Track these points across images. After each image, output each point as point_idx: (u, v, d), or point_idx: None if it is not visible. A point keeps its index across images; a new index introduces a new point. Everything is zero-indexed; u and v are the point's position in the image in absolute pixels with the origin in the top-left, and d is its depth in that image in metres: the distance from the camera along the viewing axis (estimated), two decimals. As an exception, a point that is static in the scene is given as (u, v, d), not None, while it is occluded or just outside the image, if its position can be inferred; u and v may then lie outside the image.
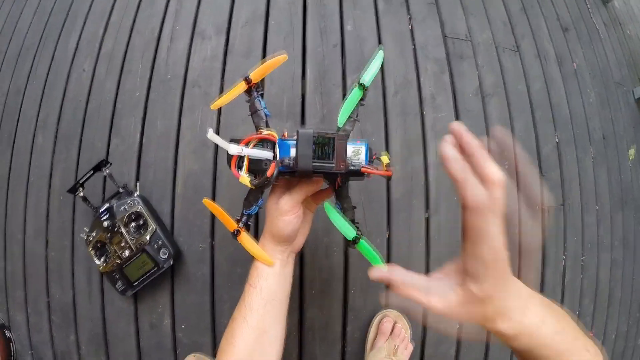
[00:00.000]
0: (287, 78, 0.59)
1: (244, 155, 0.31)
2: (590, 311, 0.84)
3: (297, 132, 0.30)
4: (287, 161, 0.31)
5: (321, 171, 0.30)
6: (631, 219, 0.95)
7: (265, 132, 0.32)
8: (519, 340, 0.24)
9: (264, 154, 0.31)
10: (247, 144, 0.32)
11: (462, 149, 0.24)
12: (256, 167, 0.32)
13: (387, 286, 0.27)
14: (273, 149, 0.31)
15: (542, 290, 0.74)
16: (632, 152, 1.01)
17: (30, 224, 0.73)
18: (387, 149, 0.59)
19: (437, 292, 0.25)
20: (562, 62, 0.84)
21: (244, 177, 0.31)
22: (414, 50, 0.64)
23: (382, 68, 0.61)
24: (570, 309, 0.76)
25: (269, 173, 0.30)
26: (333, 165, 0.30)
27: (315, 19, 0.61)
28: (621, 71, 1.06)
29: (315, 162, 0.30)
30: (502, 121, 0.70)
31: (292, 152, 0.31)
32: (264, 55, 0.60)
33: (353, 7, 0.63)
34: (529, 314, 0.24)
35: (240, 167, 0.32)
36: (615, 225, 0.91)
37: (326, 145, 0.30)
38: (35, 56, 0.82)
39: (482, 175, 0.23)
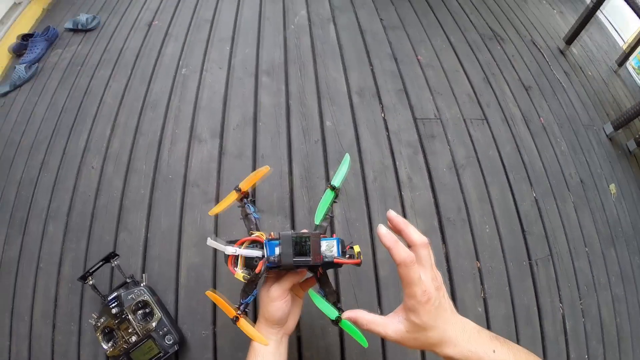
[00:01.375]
0: (276, 176, 0.65)
1: (238, 254, 0.37)
2: (601, 352, 0.82)
3: (279, 234, 0.37)
4: (273, 258, 0.36)
5: (301, 265, 0.36)
6: (625, 251, 0.96)
7: (255, 235, 0.39)
8: None
9: (254, 253, 0.37)
10: (240, 245, 0.38)
11: (396, 228, 0.34)
12: (250, 263, 0.38)
13: (354, 323, 0.36)
14: (262, 248, 0.37)
15: (543, 342, 0.75)
16: (612, 187, 1.05)
17: (38, 307, 0.75)
18: (370, 232, 0.64)
19: (390, 326, 0.33)
20: (529, 120, 0.92)
21: (239, 274, 0.37)
22: (388, 136, 0.71)
23: (360, 158, 0.68)
24: (577, 355, 0.75)
25: (257, 270, 0.36)
26: (310, 259, 0.36)
27: (297, 119, 0.69)
28: (589, 113, 1.13)
29: (295, 258, 0.36)
30: (478, 188, 0.75)
31: (277, 250, 0.37)
32: (254, 155, 0.66)
33: (330, 104, 0.71)
34: (476, 343, 0.31)
35: (236, 264, 0.38)
36: (610, 261, 0.92)
37: (304, 243, 0.36)
38: (47, 149, 0.89)
39: (409, 241, 0.32)
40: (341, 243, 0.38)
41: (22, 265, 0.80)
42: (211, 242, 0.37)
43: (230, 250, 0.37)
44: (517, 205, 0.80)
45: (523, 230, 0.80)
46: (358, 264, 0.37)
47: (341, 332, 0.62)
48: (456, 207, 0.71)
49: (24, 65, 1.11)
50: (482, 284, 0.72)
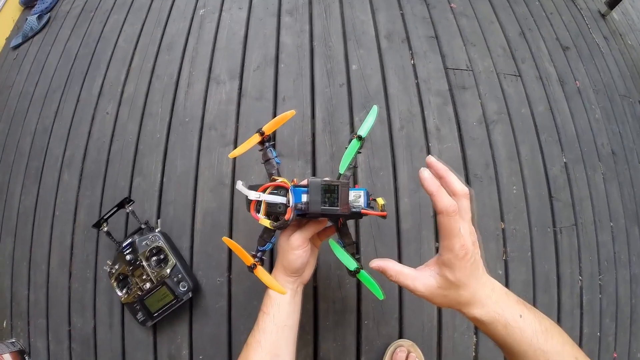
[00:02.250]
0: (298, 119, 0.62)
1: (262, 200, 0.35)
2: (612, 331, 0.81)
3: (308, 181, 0.35)
4: (300, 206, 0.35)
5: (329, 214, 0.35)
6: (649, 231, 0.93)
7: (279, 181, 0.37)
8: (494, 327, 0.29)
9: (278, 199, 0.36)
10: (264, 191, 0.36)
11: (437, 175, 0.31)
12: (271, 210, 0.36)
13: (382, 273, 0.32)
14: (286, 194, 0.36)
15: (559, 313, 0.73)
16: (643, 163, 1.00)
17: (55, 255, 0.76)
18: (394, 182, 0.61)
19: (420, 279, 0.31)
20: (564, 81, 0.86)
21: (264, 220, 0.36)
22: (417, 84, 0.66)
23: (386, 104, 0.64)
24: (591, 331, 0.75)
25: (286, 217, 0.35)
26: (339, 209, 0.35)
27: (322, 61, 0.65)
28: (625, 83, 1.06)
29: (323, 207, 0.34)
30: (507, 147, 0.71)
31: (304, 198, 0.35)
32: (275, 98, 0.63)
33: (357, 47, 0.66)
34: (504, 305, 0.29)
35: (257, 211, 0.36)
36: (633, 239, 0.89)
37: (332, 192, 0.35)
38: (61, 98, 0.88)
39: (450, 189, 0.30)
40: (367, 194, 0.37)
41: (38, 214, 0.81)
42: (241, 188, 0.35)
43: (254, 195, 0.35)
44: (547, 168, 0.76)
45: (550, 196, 0.76)
46: (384, 217, 0.36)
47: (358, 285, 0.61)
48: (484, 164, 0.68)
49: (35, 15, 1.08)
50: (504, 245, 0.69)
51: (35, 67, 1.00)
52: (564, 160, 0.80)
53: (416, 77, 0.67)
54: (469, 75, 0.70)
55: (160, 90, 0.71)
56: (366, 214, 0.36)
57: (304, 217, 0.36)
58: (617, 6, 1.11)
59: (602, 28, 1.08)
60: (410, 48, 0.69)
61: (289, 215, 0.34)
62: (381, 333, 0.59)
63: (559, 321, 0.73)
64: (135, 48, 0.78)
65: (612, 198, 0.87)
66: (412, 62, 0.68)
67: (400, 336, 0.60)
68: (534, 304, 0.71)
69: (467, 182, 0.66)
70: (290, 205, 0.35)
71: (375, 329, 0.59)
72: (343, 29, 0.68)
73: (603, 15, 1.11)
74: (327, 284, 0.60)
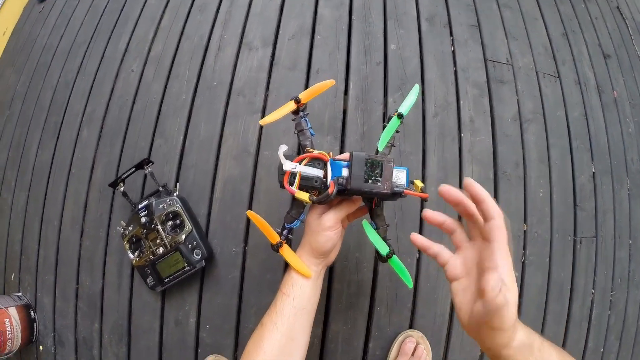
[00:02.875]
0: (330, 93, 0.60)
1: (297, 172, 0.33)
2: (616, 349, 0.80)
3: (351, 154, 0.33)
4: (341, 180, 0.33)
5: (369, 191, 0.32)
6: (665, 255, 0.91)
7: (317, 152, 0.34)
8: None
9: (316, 172, 0.34)
10: (300, 162, 0.34)
11: (475, 198, 0.29)
12: (305, 184, 0.34)
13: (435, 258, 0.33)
14: (323, 167, 0.34)
15: (567, 323, 0.72)
16: (669, 185, 0.97)
17: (68, 212, 0.75)
18: (423, 170, 0.59)
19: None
20: (602, 89, 0.83)
21: (302, 193, 0.33)
22: (455, 72, 0.64)
23: (422, 89, 0.62)
24: (595, 346, 0.74)
25: (330, 191, 0.32)
26: (381, 186, 0.32)
27: (360, 37, 0.63)
28: (662, 101, 1.03)
29: (366, 183, 0.32)
30: (539, 148, 0.69)
31: (344, 172, 0.33)
32: (308, 69, 0.61)
33: (397, 27, 0.64)
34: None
35: (290, 184, 0.34)
36: None
37: (375, 168, 0.32)
38: (85, 53, 0.86)
39: (484, 215, 0.29)
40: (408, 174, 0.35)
41: (54, 170, 0.80)
42: (281, 153, 0.33)
43: (290, 165, 0.33)
44: (575, 175, 0.74)
45: (575, 204, 0.74)
46: (425, 199, 0.34)
47: (375, 269, 0.60)
48: (514, 162, 0.66)
49: (64, -32, 1.05)
50: (524, 248, 0.68)
51: (60, 21, 0.98)
52: (593, 169, 0.77)
53: (455, 64, 0.65)
54: (508, 69, 0.68)
55: (189, 52, 0.69)
56: (408, 195, 0.34)
57: (342, 193, 0.34)
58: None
59: (645, 40, 1.04)
60: (451, 34, 0.66)
61: (332, 189, 0.32)
62: (392, 321, 0.59)
63: (566, 332, 0.72)
64: (165, 6, 0.76)
65: (634, 215, 0.85)
66: (452, 48, 0.65)
67: (411, 326, 0.59)
68: (545, 312, 0.70)
69: (495, 178, 0.64)
70: (331, 178, 0.33)
71: (387, 316, 0.59)
72: (384, 7, 0.66)
73: (646, 28, 1.07)
74: (344, 265, 0.58)
